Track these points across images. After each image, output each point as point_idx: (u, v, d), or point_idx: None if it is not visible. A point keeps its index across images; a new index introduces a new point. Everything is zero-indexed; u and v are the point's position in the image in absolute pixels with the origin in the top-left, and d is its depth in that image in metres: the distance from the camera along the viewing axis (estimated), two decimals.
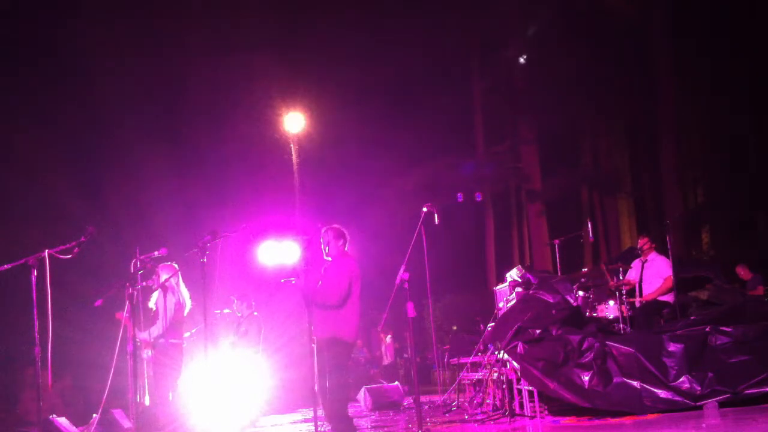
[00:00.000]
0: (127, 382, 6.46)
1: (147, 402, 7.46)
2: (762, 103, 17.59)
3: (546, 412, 6.73)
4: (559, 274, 9.12)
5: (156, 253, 6.76)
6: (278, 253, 12.57)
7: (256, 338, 8.99)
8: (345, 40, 18.54)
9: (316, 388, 5.80)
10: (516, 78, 21.27)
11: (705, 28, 18.25)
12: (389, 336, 15.53)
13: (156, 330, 6.87)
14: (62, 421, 6.55)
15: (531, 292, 7.60)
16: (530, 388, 6.74)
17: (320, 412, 5.70)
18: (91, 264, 9.47)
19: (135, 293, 6.45)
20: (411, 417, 7.97)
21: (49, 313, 6.18)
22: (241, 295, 9.20)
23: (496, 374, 7.45)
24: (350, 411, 8.43)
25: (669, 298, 8.52)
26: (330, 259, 5.91)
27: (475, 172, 21.21)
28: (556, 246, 9.83)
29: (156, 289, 6.98)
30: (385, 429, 7.54)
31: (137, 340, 6.74)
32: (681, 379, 6.36)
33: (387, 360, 15.51)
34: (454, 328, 17.56)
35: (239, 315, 9.23)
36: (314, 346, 5.80)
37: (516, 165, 21.23)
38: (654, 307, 8.56)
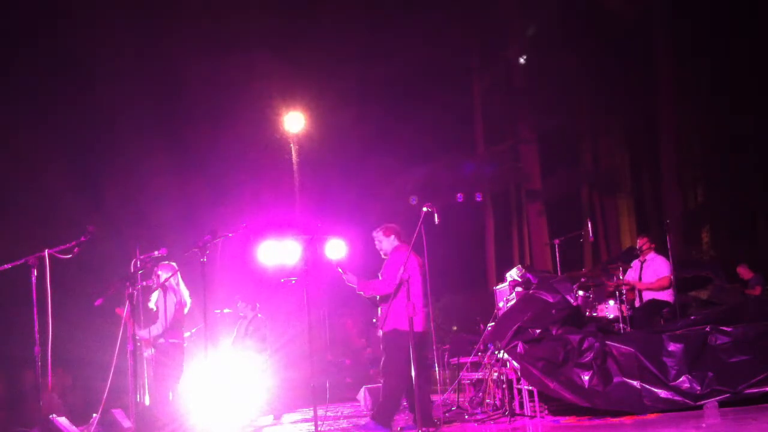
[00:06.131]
0: (127, 382, 6.46)
1: (147, 402, 7.46)
2: (762, 103, 17.59)
3: (546, 412, 6.73)
4: (559, 274, 9.11)
5: (156, 252, 6.77)
6: (278, 252, 12.56)
7: (261, 340, 9.08)
8: (345, 39, 18.55)
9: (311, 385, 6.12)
10: (516, 78, 21.27)
11: (705, 28, 18.26)
12: None
13: (156, 329, 6.87)
14: (62, 421, 6.54)
15: (531, 291, 7.59)
16: (530, 387, 6.74)
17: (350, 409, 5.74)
18: (91, 264, 9.47)
19: (135, 293, 6.45)
20: (411, 417, 7.96)
21: (49, 312, 6.18)
22: (245, 297, 9.26)
23: (496, 374, 7.45)
24: (351, 411, 8.45)
25: (669, 297, 8.51)
26: (385, 256, 6.37)
27: (475, 171, 21.20)
28: (556, 246, 9.81)
29: (156, 289, 6.98)
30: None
31: (137, 338, 6.73)
32: (681, 379, 6.36)
33: None
34: (454, 328, 17.55)
35: (242, 315, 9.26)
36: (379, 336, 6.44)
37: (516, 164, 21.23)
38: (654, 307, 8.56)
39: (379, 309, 6.43)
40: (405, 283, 5.99)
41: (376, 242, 6.53)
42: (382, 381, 6.40)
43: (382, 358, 6.32)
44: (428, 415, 6.32)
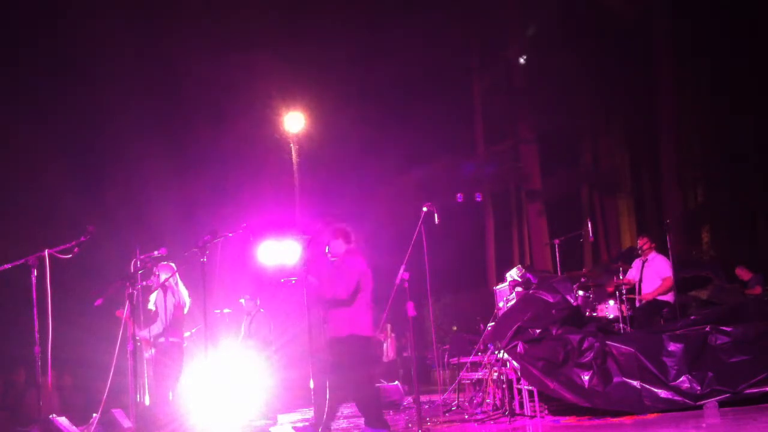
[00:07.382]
0: (127, 382, 6.46)
1: (147, 402, 7.46)
2: (762, 103, 17.59)
3: (546, 412, 6.73)
4: (559, 274, 9.11)
5: (156, 252, 6.77)
6: (278, 252, 12.57)
7: (266, 335, 9.14)
8: (345, 40, 18.55)
9: (311, 385, 5.98)
10: (516, 78, 21.28)
11: (705, 28, 18.26)
12: (390, 331, 15.52)
13: (156, 329, 6.87)
14: (62, 421, 6.53)
15: (531, 291, 7.59)
16: (530, 387, 6.74)
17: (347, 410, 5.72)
18: (91, 264, 9.47)
19: (135, 293, 6.45)
20: (411, 416, 7.96)
21: (49, 312, 6.18)
22: (251, 293, 9.36)
23: (496, 374, 7.45)
24: (351, 411, 8.46)
25: (669, 298, 8.52)
26: (335, 258, 6.00)
27: (475, 171, 21.20)
28: (556, 246, 9.82)
29: (155, 289, 6.98)
30: None
31: (137, 338, 6.74)
32: (681, 379, 6.36)
33: (389, 357, 15.50)
34: (454, 328, 17.55)
35: (247, 311, 9.34)
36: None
37: (516, 164, 21.23)
38: (654, 307, 8.57)
39: (328, 314, 6.08)
40: (363, 288, 5.85)
41: (325, 241, 6.15)
42: (349, 389, 5.97)
43: (339, 366, 5.91)
44: (329, 418, 6.01)
